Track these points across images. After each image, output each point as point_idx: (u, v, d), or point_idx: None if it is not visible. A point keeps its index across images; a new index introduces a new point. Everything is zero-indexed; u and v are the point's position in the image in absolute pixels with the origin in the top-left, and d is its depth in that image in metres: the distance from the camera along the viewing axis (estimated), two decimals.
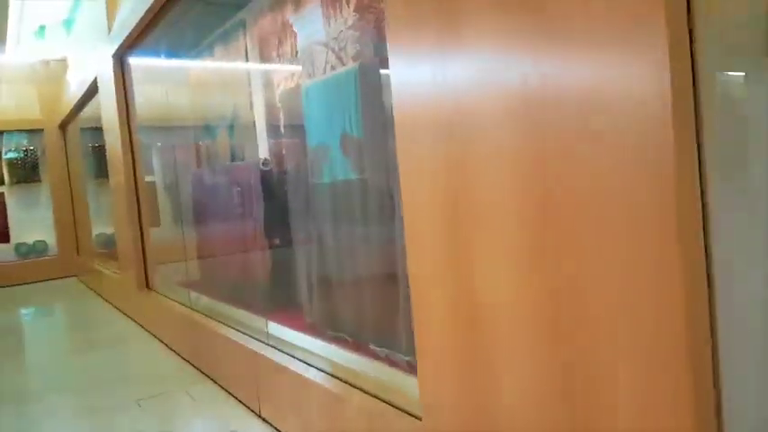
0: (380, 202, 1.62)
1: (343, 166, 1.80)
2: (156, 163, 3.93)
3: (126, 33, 3.24)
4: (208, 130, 3.42)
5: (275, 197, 2.44)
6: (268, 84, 2.70)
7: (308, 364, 1.80)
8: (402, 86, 1.08)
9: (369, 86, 1.63)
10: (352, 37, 1.99)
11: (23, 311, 5.23)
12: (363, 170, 1.69)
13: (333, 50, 2.15)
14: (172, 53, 3.26)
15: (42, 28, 5.92)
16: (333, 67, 2.15)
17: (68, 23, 5.88)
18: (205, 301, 2.87)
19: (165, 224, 3.89)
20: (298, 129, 2.23)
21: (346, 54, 2.06)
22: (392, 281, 1.64)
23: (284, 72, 2.55)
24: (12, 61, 6.41)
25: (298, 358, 1.86)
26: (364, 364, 1.65)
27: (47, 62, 6.60)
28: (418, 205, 1.09)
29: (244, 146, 2.98)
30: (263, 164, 2.44)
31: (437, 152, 1.02)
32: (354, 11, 1.97)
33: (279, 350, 1.96)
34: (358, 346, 1.85)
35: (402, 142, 1.11)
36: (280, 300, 2.40)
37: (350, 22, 2.01)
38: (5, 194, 6.65)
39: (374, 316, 1.76)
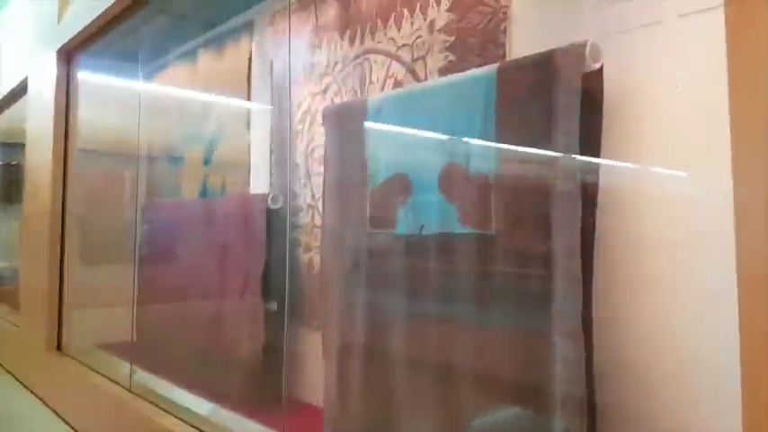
0: (522, 273, 1.07)
1: (442, 212, 1.23)
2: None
3: (83, 25, 2.55)
4: (173, 157, 2.74)
5: (282, 245, 1.82)
6: (281, 100, 2.11)
7: None
8: None
9: (510, 101, 1.11)
10: (442, 43, 1.49)
11: None
12: (486, 223, 1.14)
13: (400, 61, 1.63)
14: (144, 54, 2.59)
15: None
16: (398, 82, 1.64)
17: None
18: (151, 380, 2.11)
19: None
20: (336, 159, 1.66)
21: (425, 66, 1.55)
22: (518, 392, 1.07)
23: (308, 87, 1.99)
24: None
25: None
26: None
27: None
28: None
29: (226, 176, 2.34)
30: (271, 200, 1.82)
31: None
32: (449, 10, 1.48)
33: None
34: None
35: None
36: (277, 395, 1.71)
37: (439, 25, 1.51)
38: None
39: None
